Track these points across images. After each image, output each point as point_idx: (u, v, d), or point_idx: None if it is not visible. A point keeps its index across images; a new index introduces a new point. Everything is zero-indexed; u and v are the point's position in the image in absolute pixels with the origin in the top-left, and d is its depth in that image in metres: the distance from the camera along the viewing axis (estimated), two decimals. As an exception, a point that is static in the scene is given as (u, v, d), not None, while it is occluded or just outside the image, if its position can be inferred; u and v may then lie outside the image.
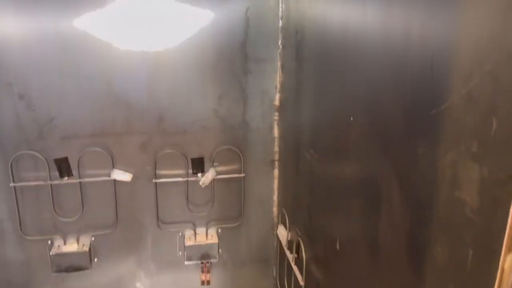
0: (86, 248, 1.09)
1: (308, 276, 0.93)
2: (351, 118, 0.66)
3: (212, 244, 1.16)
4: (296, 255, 1.02)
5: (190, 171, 1.13)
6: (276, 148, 1.17)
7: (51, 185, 1.05)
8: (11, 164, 1.02)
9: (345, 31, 0.69)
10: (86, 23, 0.97)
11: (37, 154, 1.02)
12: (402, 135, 0.53)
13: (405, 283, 0.52)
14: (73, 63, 0.99)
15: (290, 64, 1.04)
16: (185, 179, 1.13)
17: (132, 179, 1.09)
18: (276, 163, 1.18)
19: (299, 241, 0.98)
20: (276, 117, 1.14)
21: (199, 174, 1.13)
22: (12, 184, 1.03)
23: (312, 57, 0.88)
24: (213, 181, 1.14)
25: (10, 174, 1.02)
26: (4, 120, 0.99)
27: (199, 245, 1.16)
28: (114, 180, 1.08)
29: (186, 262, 1.16)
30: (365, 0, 0.61)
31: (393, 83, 0.54)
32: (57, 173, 1.05)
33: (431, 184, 0.47)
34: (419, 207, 0.49)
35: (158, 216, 1.15)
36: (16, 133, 1.00)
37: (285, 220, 1.10)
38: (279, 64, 1.09)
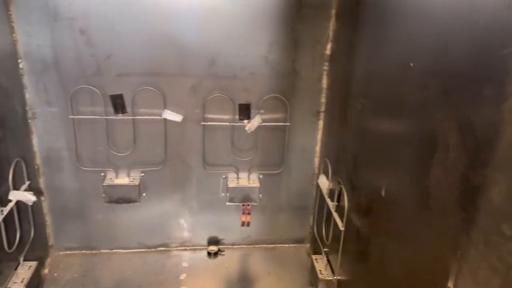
0: (136, 182, 1.16)
1: (348, 222, 0.96)
2: (411, 64, 0.66)
3: (253, 188, 1.20)
4: (336, 203, 1.04)
5: (237, 116, 1.16)
6: (323, 99, 1.17)
7: (106, 119, 1.10)
8: (71, 97, 1.07)
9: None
10: (145, -39, 0.98)
11: (94, 89, 1.07)
12: (467, 77, 0.52)
13: (455, 225, 0.54)
14: (131, 3, 1.01)
15: (345, 11, 1.02)
16: (231, 124, 1.16)
17: (182, 120, 1.12)
18: (322, 114, 1.18)
19: (341, 189, 1.00)
20: (326, 67, 1.13)
21: (245, 120, 1.16)
22: (71, 116, 1.09)
23: (373, 3, 0.86)
24: (258, 128, 1.16)
25: (70, 107, 1.08)
26: (66, 54, 1.04)
27: (241, 188, 1.20)
28: (165, 120, 1.12)
29: (227, 203, 1.21)
30: None
31: (461, 23, 0.53)
32: (112, 109, 1.10)
33: (493, 126, 0.47)
34: (478, 149, 0.49)
35: (204, 158, 1.19)
36: (76, 68, 1.05)
37: (328, 169, 1.11)
38: (333, 12, 1.07)
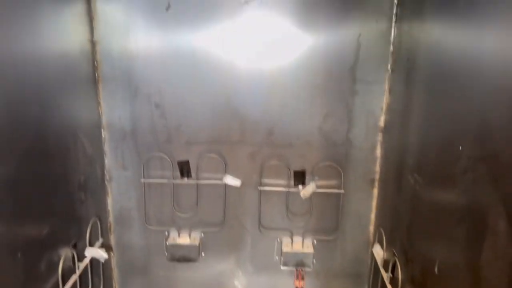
0: (197, 242, 1.23)
1: (403, 296, 0.95)
2: (460, 148, 0.69)
3: (307, 253, 1.23)
4: (391, 275, 1.04)
5: (292, 182, 1.21)
6: (378, 168, 1.20)
7: (173, 183, 1.21)
8: (144, 163, 1.20)
9: (460, 57, 0.71)
10: (214, 43, 1.11)
11: (164, 156, 1.19)
12: (513, 168, 0.54)
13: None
14: (200, 78, 1.14)
15: (398, 87, 1.07)
16: (286, 189, 1.22)
17: (241, 185, 1.20)
18: (376, 183, 1.21)
19: (395, 261, 1.00)
20: (379, 138, 1.17)
21: (300, 186, 1.21)
22: (142, 180, 1.21)
23: (422, 82, 0.91)
24: (313, 194, 1.21)
25: (142, 172, 1.20)
26: (142, 125, 1.17)
27: (295, 252, 1.23)
28: (225, 184, 1.20)
29: (282, 267, 1.24)
30: (483, 27, 0.64)
31: (509, 112, 0.56)
32: (178, 173, 1.20)
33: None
34: (527, 240, 0.51)
35: (260, 221, 1.25)
36: (151, 137, 1.18)
37: (382, 239, 1.12)
38: (386, 86, 1.13)
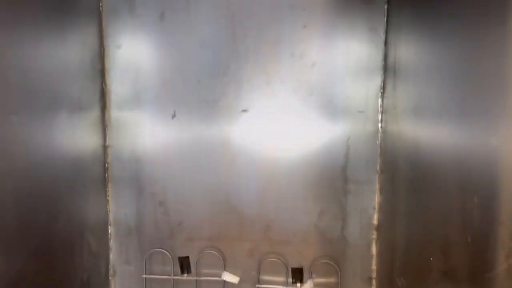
0: None
1: None
2: (431, 259, 0.72)
3: None
4: None
5: (290, 279, 1.23)
6: (374, 266, 1.21)
7: (173, 279, 1.24)
8: (146, 258, 1.25)
9: (434, 164, 0.77)
10: (214, 145, 1.20)
11: (166, 252, 1.24)
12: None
13: None
14: (201, 177, 1.22)
15: (387, 187, 1.12)
16: (285, 287, 1.23)
17: (239, 282, 1.22)
18: (374, 281, 1.21)
19: None
20: (374, 236, 1.20)
21: (298, 284, 1.22)
22: (144, 276, 1.25)
23: (403, 185, 0.96)
24: (311, 291, 1.21)
25: (144, 267, 1.24)
26: (146, 222, 1.24)
27: None
28: (224, 281, 1.23)
29: None
30: (449, 133, 0.70)
31: (461, 230, 0.60)
32: (179, 269, 1.24)
33: None
34: None
35: (258, 319, 1.24)
36: (154, 234, 1.24)
37: None
38: (377, 186, 1.18)
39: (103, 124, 1.20)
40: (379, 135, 1.16)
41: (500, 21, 0.52)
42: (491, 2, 0.55)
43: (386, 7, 1.11)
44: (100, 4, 1.17)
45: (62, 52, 0.98)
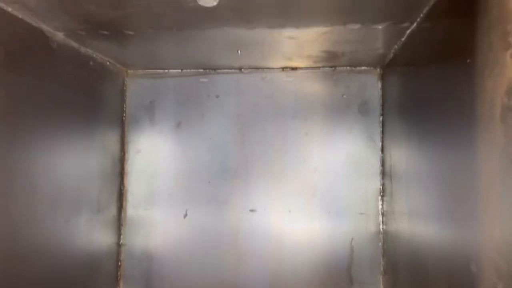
0: None
1: None
2: None
3: None
4: None
5: None
6: None
7: None
8: None
9: (434, 259, 0.81)
10: (223, 243, 1.25)
11: None
12: None
13: None
14: (210, 274, 1.25)
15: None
16: None
17: None
18: None
19: None
20: None
21: None
22: None
23: (405, 285, 0.98)
24: None
25: None
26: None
27: None
28: None
29: None
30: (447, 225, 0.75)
31: None
32: None
33: None
34: None
35: None
36: (160, 334, 1.25)
37: None
38: (382, 287, 1.19)
39: (119, 223, 1.28)
40: (381, 236, 1.21)
41: (470, 139, 0.61)
42: (463, 125, 0.65)
43: (381, 118, 1.23)
44: (124, 114, 1.31)
45: (87, 159, 1.09)
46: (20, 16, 0.82)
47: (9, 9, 0.79)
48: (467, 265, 0.58)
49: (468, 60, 0.57)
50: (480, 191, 0.55)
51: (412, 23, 0.86)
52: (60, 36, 0.94)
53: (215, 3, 0.71)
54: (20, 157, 0.83)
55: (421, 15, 0.80)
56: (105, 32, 0.92)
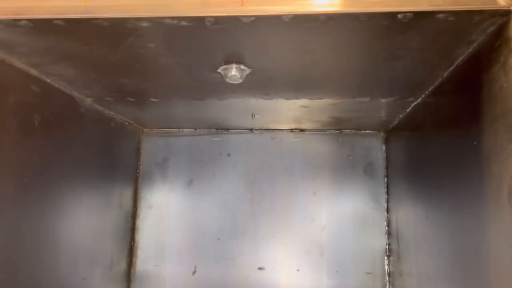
0: None
1: None
2: None
3: None
4: None
5: None
6: None
7: None
8: None
9: None
10: None
11: None
12: None
13: None
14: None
15: None
16: None
17: None
18: None
19: None
20: None
21: None
22: None
23: None
24: None
25: None
26: None
27: None
28: None
29: None
30: None
31: None
32: None
33: None
34: None
35: None
36: None
37: None
38: None
39: (128, 279, 1.29)
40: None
41: (479, 211, 0.65)
42: (472, 198, 0.70)
43: (385, 179, 1.28)
44: (138, 171, 1.36)
45: (104, 215, 1.12)
46: (56, 86, 0.89)
47: (48, 80, 0.85)
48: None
49: (474, 143, 0.63)
50: (491, 262, 0.59)
51: (417, 98, 0.93)
52: (88, 101, 1.01)
53: (241, 81, 0.78)
54: (47, 219, 0.86)
55: (426, 92, 0.88)
56: (132, 99, 0.99)
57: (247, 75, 0.78)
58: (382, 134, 1.31)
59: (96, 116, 1.07)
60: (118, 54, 0.71)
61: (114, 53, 0.71)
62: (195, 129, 1.37)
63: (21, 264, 0.78)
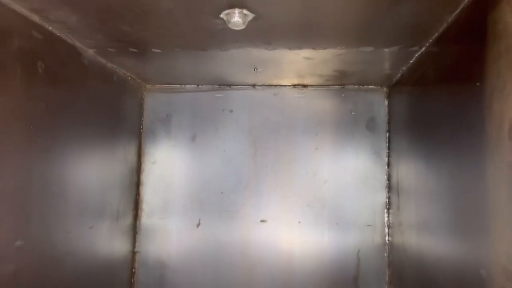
0: None
1: None
2: None
3: None
4: None
5: None
6: None
7: None
8: None
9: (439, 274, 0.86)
10: (235, 252, 1.30)
11: None
12: None
13: None
14: (221, 283, 1.30)
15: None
16: None
17: None
18: None
19: None
20: None
21: None
22: None
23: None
24: None
25: None
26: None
27: None
28: None
29: None
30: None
31: None
32: None
33: None
34: None
35: None
36: None
37: None
38: (387, 301, 1.24)
39: (134, 232, 1.32)
40: (387, 248, 1.26)
41: (480, 155, 0.67)
42: (473, 143, 0.70)
43: (387, 134, 1.29)
44: (141, 127, 1.37)
45: (109, 168, 1.14)
46: (58, 34, 0.88)
47: (50, 28, 0.85)
48: (477, 271, 0.64)
49: (477, 84, 0.63)
50: (490, 204, 0.61)
51: (421, 47, 0.92)
52: (90, 52, 1.01)
53: (243, 27, 0.78)
54: (55, 167, 0.88)
55: (430, 40, 0.87)
56: (134, 50, 0.99)
57: (250, 21, 0.78)
58: (384, 89, 1.31)
59: (99, 69, 1.07)
60: (120, -2, 0.70)
61: (115, -4, 0.70)
62: (198, 85, 1.37)
63: (30, 208, 0.80)
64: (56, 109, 0.89)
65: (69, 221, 0.93)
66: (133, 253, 1.32)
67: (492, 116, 0.58)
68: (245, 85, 1.35)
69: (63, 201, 0.91)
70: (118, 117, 1.21)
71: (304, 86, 1.34)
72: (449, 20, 0.76)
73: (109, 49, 0.98)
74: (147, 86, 1.38)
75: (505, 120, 0.54)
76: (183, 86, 1.37)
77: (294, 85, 1.34)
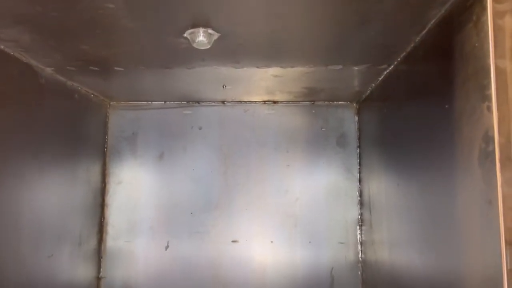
0: None
1: None
2: None
3: None
4: None
5: None
6: None
7: None
8: None
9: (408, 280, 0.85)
10: (206, 272, 1.25)
11: None
12: None
13: None
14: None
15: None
16: None
17: None
18: None
19: None
20: None
21: None
22: None
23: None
24: None
25: None
26: None
27: None
28: None
29: None
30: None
31: None
32: None
33: None
34: None
35: None
36: None
37: None
38: (362, 316, 1.22)
39: (99, 256, 1.26)
40: (360, 265, 1.25)
41: (450, 175, 0.66)
42: (443, 162, 0.70)
43: (358, 150, 1.28)
44: (105, 146, 1.31)
45: (70, 191, 1.08)
46: (11, 53, 0.83)
47: (1, 46, 0.80)
48: (449, 284, 0.62)
49: (446, 106, 0.62)
50: (460, 225, 0.60)
51: (389, 66, 0.92)
52: (48, 71, 0.95)
53: (209, 46, 0.75)
54: (6, 195, 0.82)
55: (398, 59, 0.87)
56: (95, 69, 0.94)
57: (215, 40, 0.75)
58: (354, 105, 1.30)
59: (59, 88, 1.02)
60: (76, 17, 0.66)
61: (71, 16, 0.66)
62: (165, 101, 1.32)
63: (-21, 241, 0.74)
64: (10, 132, 0.83)
65: (22, 251, 0.87)
66: (98, 278, 1.25)
67: (462, 140, 0.57)
68: (214, 102, 1.32)
69: (17, 232, 0.85)
70: (81, 136, 1.16)
71: (275, 102, 1.32)
72: (416, 40, 0.75)
73: (69, 67, 0.93)
74: (111, 103, 1.32)
75: (475, 145, 0.53)
76: (149, 102, 1.33)
77: (264, 101, 1.32)
